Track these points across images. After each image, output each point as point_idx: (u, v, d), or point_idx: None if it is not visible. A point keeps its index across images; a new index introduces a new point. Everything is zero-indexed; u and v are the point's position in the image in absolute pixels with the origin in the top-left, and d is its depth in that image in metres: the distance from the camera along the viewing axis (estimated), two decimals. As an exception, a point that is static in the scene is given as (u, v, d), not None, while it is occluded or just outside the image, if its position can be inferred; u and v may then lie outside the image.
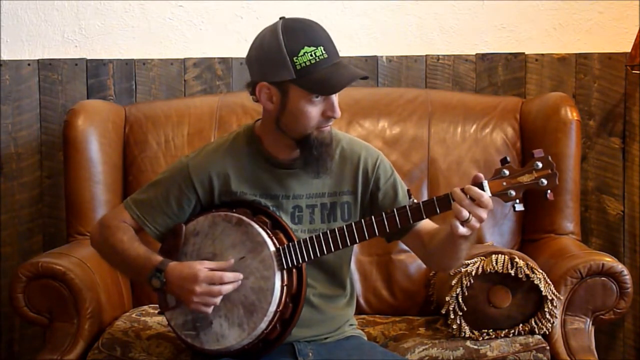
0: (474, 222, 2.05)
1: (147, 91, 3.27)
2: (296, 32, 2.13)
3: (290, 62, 2.11)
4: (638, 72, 3.10)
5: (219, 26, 3.26)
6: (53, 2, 3.26)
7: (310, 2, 3.21)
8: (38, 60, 3.26)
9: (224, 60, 3.25)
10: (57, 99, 3.26)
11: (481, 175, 2.07)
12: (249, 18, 3.24)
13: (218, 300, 2.14)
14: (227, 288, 2.14)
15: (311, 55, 2.11)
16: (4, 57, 3.26)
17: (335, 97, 2.16)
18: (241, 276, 2.16)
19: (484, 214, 2.05)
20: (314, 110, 2.15)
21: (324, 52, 2.12)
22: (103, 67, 3.26)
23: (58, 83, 3.26)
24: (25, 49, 3.28)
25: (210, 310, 2.16)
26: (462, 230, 2.05)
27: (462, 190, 2.05)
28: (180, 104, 3.13)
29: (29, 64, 3.26)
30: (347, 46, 3.24)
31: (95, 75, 3.26)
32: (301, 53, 2.11)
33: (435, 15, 3.24)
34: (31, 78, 3.26)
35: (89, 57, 3.27)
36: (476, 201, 2.04)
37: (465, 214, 2.04)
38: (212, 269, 2.15)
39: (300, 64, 2.11)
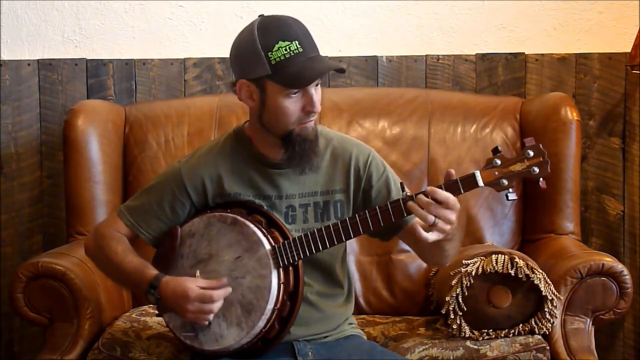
0: (441, 224, 2.03)
1: (147, 91, 3.27)
2: (270, 28, 2.12)
3: (265, 57, 2.11)
4: (638, 72, 3.10)
5: (219, 26, 3.26)
6: (53, 2, 3.26)
7: (310, 2, 3.21)
8: (38, 60, 3.26)
9: (224, 60, 3.25)
10: (57, 99, 3.26)
11: (452, 171, 2.06)
12: (249, 18, 3.17)
13: (211, 316, 2.15)
14: (218, 305, 2.14)
15: (285, 50, 2.10)
16: (4, 57, 3.26)
17: (314, 92, 2.15)
18: (230, 289, 2.15)
19: (452, 215, 2.03)
20: (292, 106, 2.14)
21: (299, 46, 2.11)
22: (103, 67, 3.26)
23: (58, 83, 3.26)
24: (25, 49, 3.28)
25: (205, 323, 2.17)
26: (430, 236, 2.03)
27: (425, 193, 2.04)
28: (180, 104, 3.13)
29: (29, 64, 3.26)
30: (347, 46, 3.25)
31: (95, 75, 3.26)
32: (275, 48, 2.10)
33: (435, 15, 3.24)
34: (31, 78, 3.26)
35: (89, 57, 3.27)
36: (443, 204, 2.03)
37: (431, 218, 2.02)
38: (203, 287, 2.14)
39: (275, 59, 2.10)
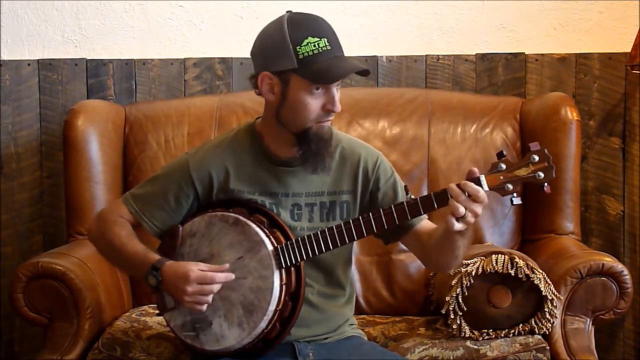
0: (469, 217, 2.05)
1: (147, 91, 3.27)
2: (301, 23, 2.13)
3: (293, 51, 2.11)
4: (638, 72, 3.10)
5: (219, 26, 3.27)
6: (53, 2, 3.26)
7: (310, 2, 3.20)
8: (38, 60, 3.26)
9: (224, 60, 3.25)
10: (57, 99, 3.26)
11: (476, 169, 2.08)
12: (249, 18, 3.24)
13: (209, 298, 2.15)
14: (218, 287, 2.14)
15: (314, 46, 2.11)
16: (4, 57, 3.26)
17: (336, 91, 2.16)
18: (233, 276, 2.16)
19: (479, 209, 2.05)
20: (314, 103, 2.15)
21: (327, 43, 2.13)
22: (103, 67, 3.26)
23: (58, 83, 3.26)
24: (25, 49, 3.28)
25: (203, 308, 2.16)
26: (458, 226, 2.06)
27: (459, 186, 2.05)
28: (180, 104, 3.13)
29: (29, 64, 3.26)
30: (347, 46, 3.17)
31: (95, 75, 3.26)
32: (304, 43, 2.11)
33: (435, 15, 3.24)
34: (31, 78, 3.26)
35: (89, 57, 3.27)
36: (472, 197, 2.04)
37: (462, 210, 2.04)
38: (204, 270, 2.15)
39: (302, 54, 2.11)
